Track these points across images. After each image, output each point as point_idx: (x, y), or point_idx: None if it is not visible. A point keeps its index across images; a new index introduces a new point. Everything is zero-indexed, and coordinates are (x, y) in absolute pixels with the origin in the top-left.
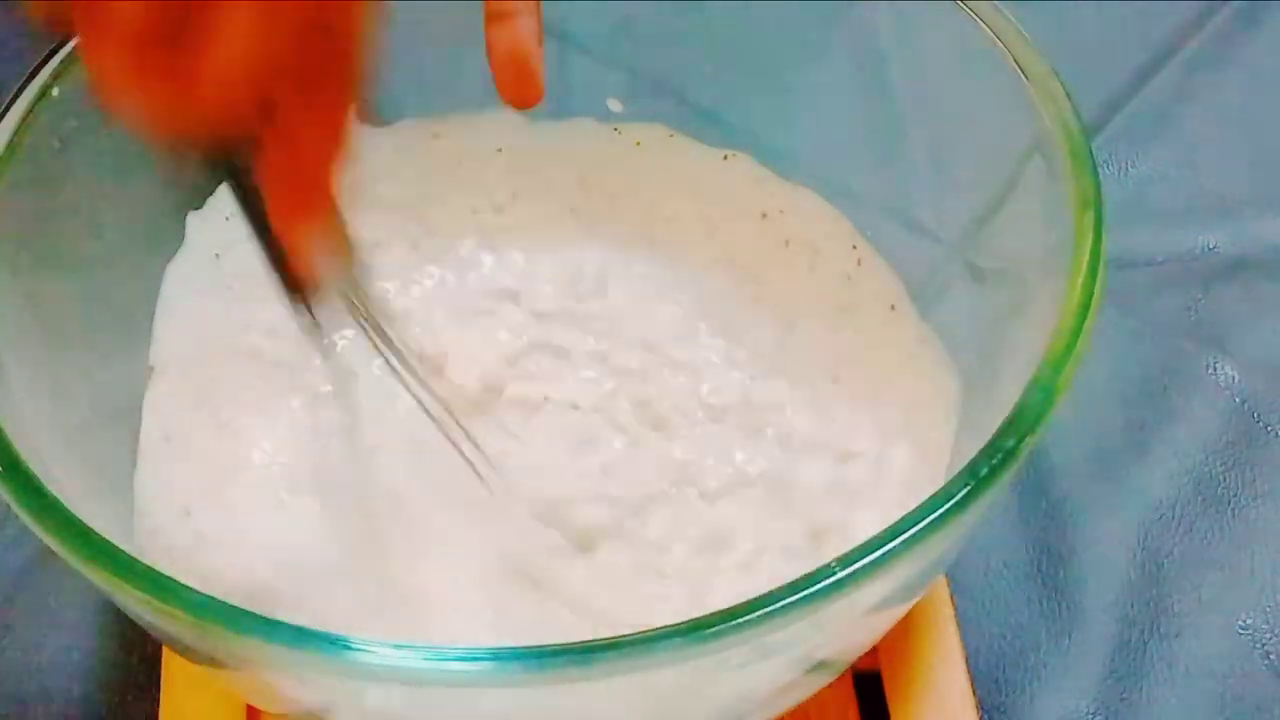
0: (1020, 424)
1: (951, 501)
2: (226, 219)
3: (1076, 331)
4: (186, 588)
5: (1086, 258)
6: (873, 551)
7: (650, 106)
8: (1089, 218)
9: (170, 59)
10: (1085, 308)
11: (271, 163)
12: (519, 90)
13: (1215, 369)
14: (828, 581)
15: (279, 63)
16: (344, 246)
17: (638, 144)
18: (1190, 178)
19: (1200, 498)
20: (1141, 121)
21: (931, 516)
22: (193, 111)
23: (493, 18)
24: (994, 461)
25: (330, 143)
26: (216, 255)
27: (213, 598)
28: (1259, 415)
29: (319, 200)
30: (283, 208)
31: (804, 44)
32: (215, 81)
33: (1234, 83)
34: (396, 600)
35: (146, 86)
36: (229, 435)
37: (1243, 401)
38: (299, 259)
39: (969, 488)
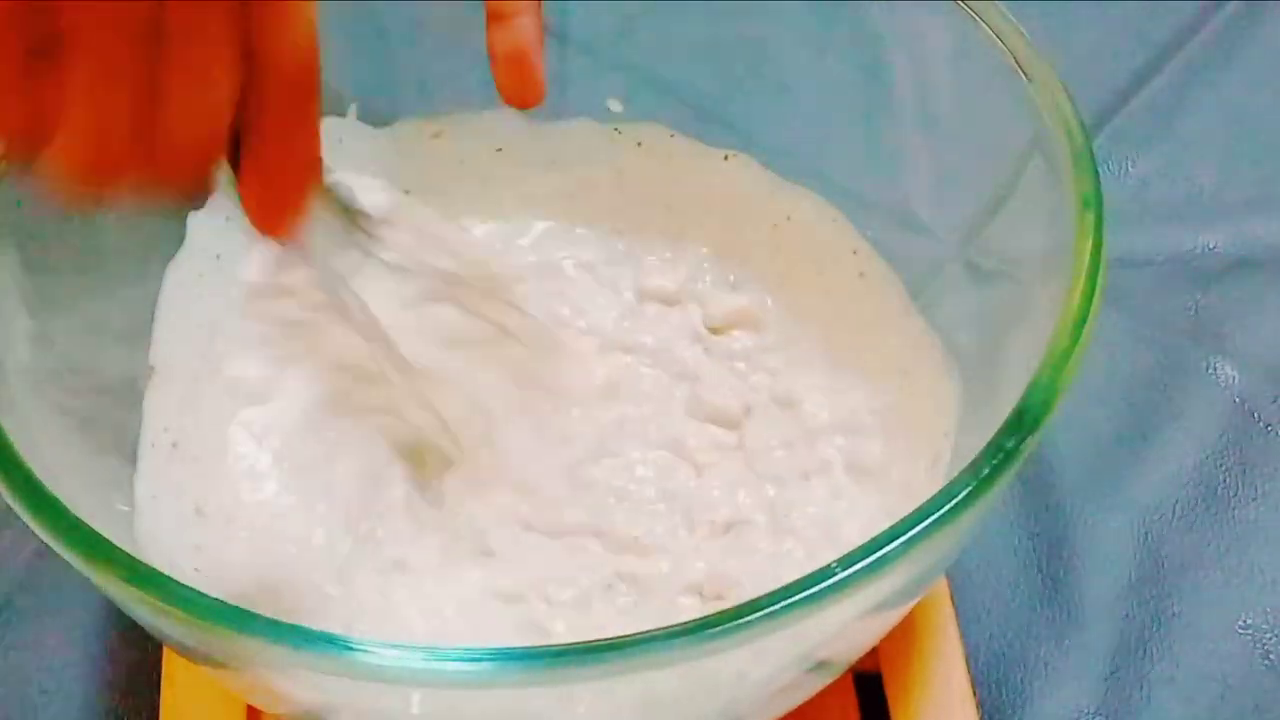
0: (1021, 424)
1: (953, 502)
2: (227, 219)
3: (1077, 332)
4: (187, 588)
5: (1087, 258)
6: (873, 553)
7: (650, 106)
8: (1089, 218)
9: (133, 141)
10: (1086, 308)
11: (248, 182)
12: (519, 91)
13: (1215, 369)
14: (828, 583)
15: (234, 108)
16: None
17: (638, 144)
18: (1190, 178)
19: (1200, 497)
20: (1141, 121)
21: (933, 517)
22: (168, 174)
23: (493, 18)
24: (995, 462)
25: (302, 149)
26: (217, 256)
27: (214, 598)
28: (1259, 415)
29: (298, 202)
30: (265, 217)
31: (804, 44)
32: (183, 144)
33: (1234, 83)
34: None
35: (113, 172)
36: (229, 435)
37: (1243, 401)
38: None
39: (970, 488)
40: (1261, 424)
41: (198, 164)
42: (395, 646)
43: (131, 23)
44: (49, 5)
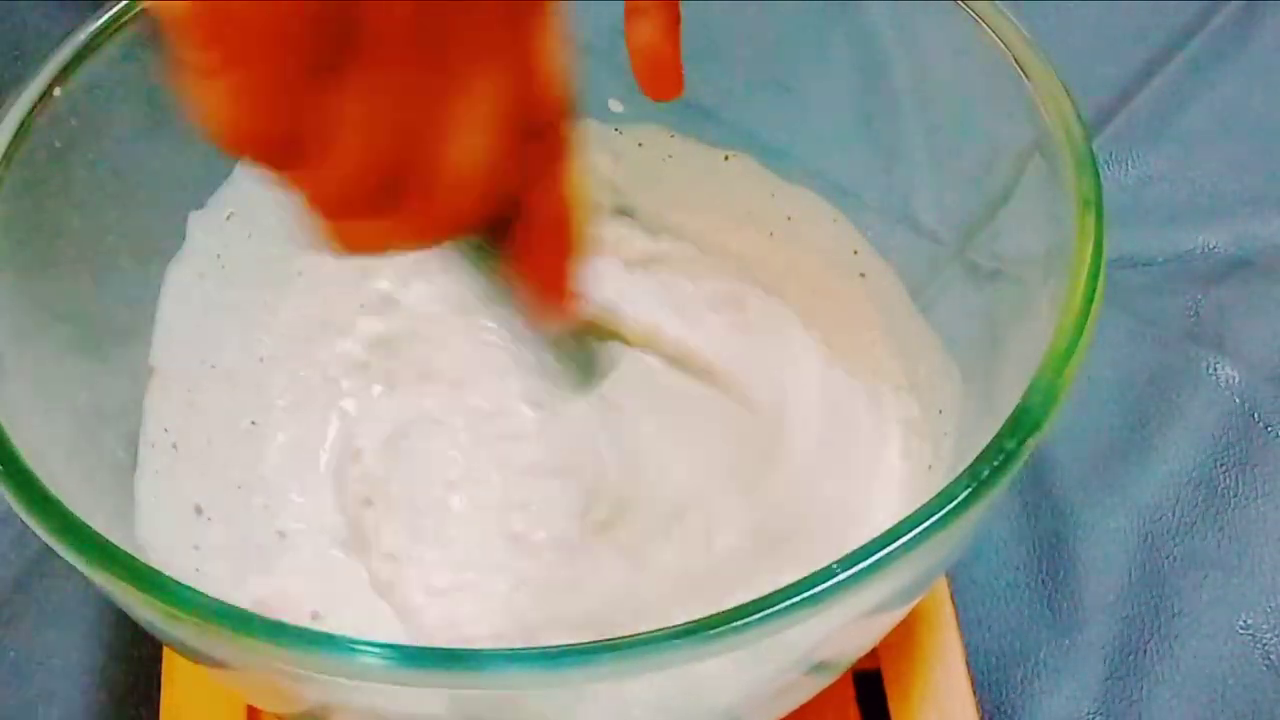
0: (1022, 425)
1: (953, 503)
2: (227, 218)
3: (1078, 333)
4: (188, 588)
5: (1088, 259)
6: (874, 553)
7: (650, 107)
8: (1090, 219)
9: (396, 199)
10: (1086, 309)
11: (522, 260)
12: (656, 83)
13: (1215, 369)
14: (829, 583)
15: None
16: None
17: (639, 144)
18: (1190, 178)
19: (1200, 498)
20: (1142, 121)
21: (933, 518)
22: (428, 234)
23: (631, 13)
24: (995, 463)
25: (567, 227)
26: (218, 255)
27: (214, 599)
28: (1259, 415)
29: (570, 286)
30: (542, 296)
31: (804, 44)
32: (450, 206)
33: (1234, 83)
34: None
35: (361, 210)
36: (228, 436)
37: (1243, 402)
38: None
39: (970, 490)
40: (1261, 424)
41: (454, 219)
42: (393, 646)
43: (427, 47)
44: (354, 13)
